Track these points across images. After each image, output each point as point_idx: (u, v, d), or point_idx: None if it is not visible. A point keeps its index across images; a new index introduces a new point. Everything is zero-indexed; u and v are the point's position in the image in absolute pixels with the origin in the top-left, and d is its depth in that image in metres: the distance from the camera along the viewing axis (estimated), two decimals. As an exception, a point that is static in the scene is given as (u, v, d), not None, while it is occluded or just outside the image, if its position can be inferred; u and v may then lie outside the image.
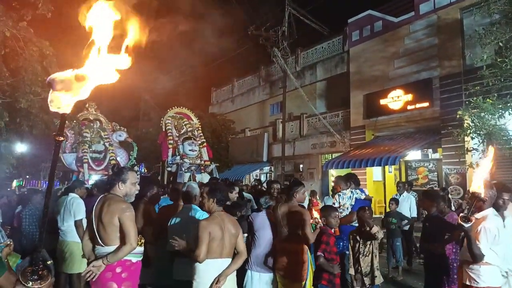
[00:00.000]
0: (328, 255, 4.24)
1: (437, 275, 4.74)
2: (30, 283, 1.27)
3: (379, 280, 4.79)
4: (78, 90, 1.42)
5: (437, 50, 12.62)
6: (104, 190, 3.44)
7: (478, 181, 3.24)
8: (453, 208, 7.55)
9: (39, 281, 1.28)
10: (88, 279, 3.07)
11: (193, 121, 11.65)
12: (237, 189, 6.19)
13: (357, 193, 6.28)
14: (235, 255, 3.56)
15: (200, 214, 4.04)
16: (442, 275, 4.86)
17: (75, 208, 5.42)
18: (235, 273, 3.60)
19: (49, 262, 1.34)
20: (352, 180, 6.36)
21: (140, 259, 3.30)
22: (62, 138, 1.41)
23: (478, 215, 3.43)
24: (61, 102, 1.37)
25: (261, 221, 4.64)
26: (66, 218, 5.47)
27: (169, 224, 4.16)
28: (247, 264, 4.46)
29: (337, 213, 4.76)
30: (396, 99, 13.47)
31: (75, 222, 5.35)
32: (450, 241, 5.01)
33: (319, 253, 4.24)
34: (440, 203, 5.68)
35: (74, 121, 10.87)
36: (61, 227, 5.54)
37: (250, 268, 4.52)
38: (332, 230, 4.64)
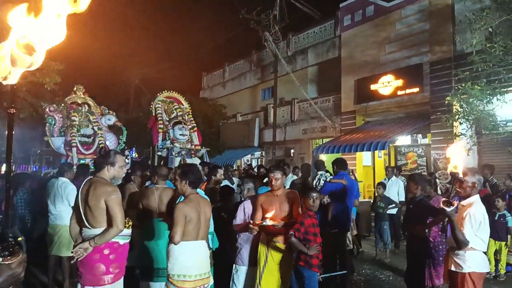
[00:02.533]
0: (303, 235, 4.23)
1: (418, 257, 4.82)
2: (1, 259, 1.29)
3: None
4: (26, 60, 1.34)
5: (428, 36, 12.64)
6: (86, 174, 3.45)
7: (455, 161, 3.29)
8: (439, 192, 7.69)
9: (9, 257, 1.30)
10: (75, 260, 3.11)
11: (183, 105, 11.60)
12: (221, 171, 6.16)
13: (324, 176, 6.45)
14: None
15: None
16: (424, 257, 4.94)
17: (68, 194, 5.39)
18: (208, 252, 3.68)
19: (20, 239, 1.33)
20: (335, 164, 6.49)
21: (128, 241, 3.34)
22: (13, 111, 1.37)
23: (464, 202, 3.47)
24: (6, 72, 1.30)
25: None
26: (57, 202, 5.46)
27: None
28: (237, 259, 4.48)
29: (315, 194, 4.79)
30: (386, 84, 13.51)
31: (72, 208, 5.31)
32: (432, 224, 5.12)
33: (290, 232, 4.23)
34: (426, 186, 5.79)
35: (62, 104, 10.75)
36: (51, 211, 5.53)
37: (242, 263, 4.47)
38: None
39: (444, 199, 3.19)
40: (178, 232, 3.33)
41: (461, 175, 3.32)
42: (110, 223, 3.13)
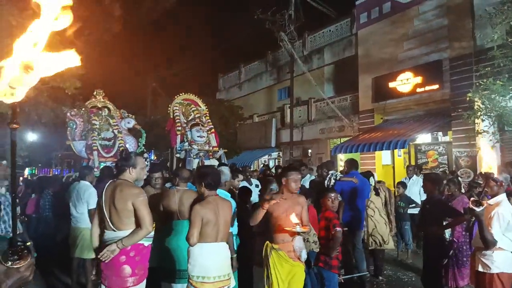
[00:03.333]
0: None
1: (434, 257, 4.72)
2: (10, 262, 1.33)
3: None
4: (27, 79, 1.39)
5: (447, 31, 12.41)
6: (111, 176, 3.49)
7: (489, 162, 3.22)
8: (463, 190, 7.56)
9: (18, 261, 1.34)
10: (102, 261, 3.13)
11: (200, 107, 11.64)
12: (241, 177, 6.13)
13: (335, 175, 6.44)
14: None
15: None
16: (439, 258, 4.84)
17: (88, 196, 5.47)
18: (229, 254, 3.67)
19: (28, 243, 1.38)
20: (346, 164, 6.64)
21: (151, 243, 3.37)
22: (16, 126, 1.41)
23: (491, 201, 3.39)
24: (9, 91, 1.36)
25: None
26: (78, 205, 5.56)
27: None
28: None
29: (333, 195, 4.77)
30: (405, 82, 13.32)
31: (89, 211, 5.40)
32: (453, 224, 5.01)
33: (337, 229, 4.35)
34: (441, 186, 5.71)
35: (83, 109, 10.95)
36: (73, 214, 5.63)
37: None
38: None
39: (473, 198, 3.12)
40: (194, 233, 3.36)
41: (496, 175, 3.24)
42: (137, 224, 3.16)
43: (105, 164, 9.80)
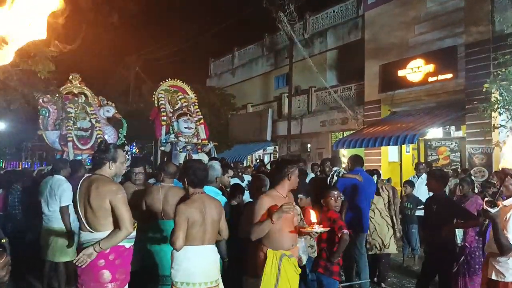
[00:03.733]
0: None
1: (443, 263, 4.73)
2: None
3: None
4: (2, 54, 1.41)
5: (463, 14, 12.43)
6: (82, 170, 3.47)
7: (508, 160, 3.23)
8: (476, 190, 7.62)
9: None
10: (79, 265, 3.12)
11: (189, 95, 11.62)
12: (231, 172, 6.09)
13: (338, 172, 6.49)
14: None
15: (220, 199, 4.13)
16: (449, 263, 4.87)
17: (61, 192, 5.41)
18: (217, 258, 3.66)
19: (3, 241, 1.36)
20: (350, 160, 6.65)
21: (133, 244, 3.37)
22: None
23: (506, 202, 3.41)
24: None
25: None
26: (51, 202, 5.52)
27: None
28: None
29: (336, 193, 4.80)
30: (416, 70, 13.36)
31: (61, 208, 5.34)
32: (463, 227, 5.04)
33: (344, 231, 4.36)
34: (464, 186, 5.73)
35: (57, 95, 10.86)
36: (45, 212, 5.59)
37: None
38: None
39: (487, 199, 3.14)
40: (180, 236, 3.34)
41: None
42: (116, 225, 3.14)
43: (80, 157, 9.78)
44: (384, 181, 7.48)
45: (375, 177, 6.74)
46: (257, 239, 3.56)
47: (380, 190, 6.68)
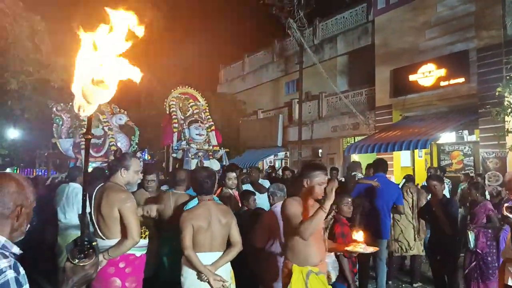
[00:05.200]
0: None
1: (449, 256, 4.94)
2: (76, 260, 1.56)
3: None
4: (99, 93, 1.62)
5: (474, 19, 12.34)
6: (102, 178, 3.50)
7: None
8: (487, 196, 7.59)
9: (84, 259, 1.56)
10: None
11: (199, 102, 11.65)
12: (233, 174, 5.60)
13: (356, 178, 6.48)
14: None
15: None
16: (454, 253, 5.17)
17: (79, 200, 5.43)
18: (229, 266, 3.63)
19: (94, 243, 1.61)
20: (373, 165, 6.64)
21: (145, 252, 3.38)
22: (90, 136, 1.67)
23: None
24: (84, 106, 1.61)
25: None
26: (68, 210, 5.55)
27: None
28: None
29: (350, 199, 4.77)
30: (427, 75, 13.28)
31: (79, 215, 5.39)
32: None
33: (345, 259, 4.22)
34: (471, 191, 5.73)
35: (70, 103, 10.98)
36: (61, 220, 5.62)
37: None
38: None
39: (507, 204, 3.10)
40: (185, 244, 3.37)
41: None
42: (124, 233, 3.17)
43: (94, 165, 9.84)
44: (410, 184, 7.49)
45: (402, 181, 6.76)
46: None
47: (405, 194, 6.69)
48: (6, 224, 1.49)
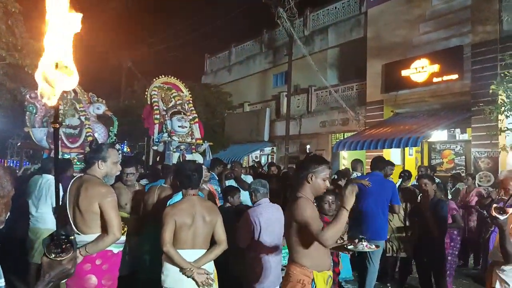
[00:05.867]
0: None
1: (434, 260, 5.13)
2: (53, 255, 1.56)
3: None
4: (63, 79, 1.60)
5: (470, 13, 12.47)
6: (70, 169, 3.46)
7: None
8: (475, 197, 7.85)
9: (61, 254, 1.57)
10: None
11: (183, 92, 11.59)
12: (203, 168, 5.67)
13: (353, 176, 6.53)
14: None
15: None
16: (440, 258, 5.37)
17: (52, 193, 5.39)
18: (212, 265, 3.63)
19: (72, 237, 1.62)
20: (371, 163, 6.76)
21: (122, 249, 3.36)
22: (57, 125, 1.63)
23: (512, 209, 3.43)
24: (49, 93, 1.57)
25: (270, 217, 4.21)
26: (40, 203, 5.50)
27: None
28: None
29: (331, 197, 4.80)
30: (420, 70, 13.39)
31: (54, 209, 5.34)
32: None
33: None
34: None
35: (44, 91, 10.83)
36: (32, 212, 5.58)
37: None
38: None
39: (496, 205, 3.15)
40: (165, 239, 3.37)
41: None
42: (104, 229, 3.13)
43: (69, 156, 9.73)
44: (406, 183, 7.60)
45: (399, 180, 6.80)
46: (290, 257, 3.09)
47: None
48: None
